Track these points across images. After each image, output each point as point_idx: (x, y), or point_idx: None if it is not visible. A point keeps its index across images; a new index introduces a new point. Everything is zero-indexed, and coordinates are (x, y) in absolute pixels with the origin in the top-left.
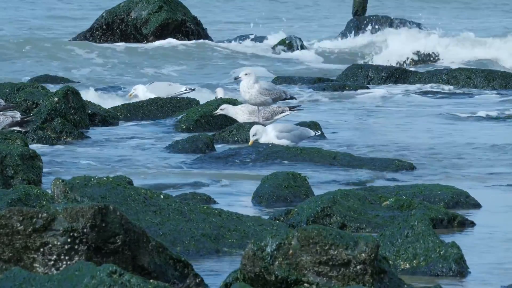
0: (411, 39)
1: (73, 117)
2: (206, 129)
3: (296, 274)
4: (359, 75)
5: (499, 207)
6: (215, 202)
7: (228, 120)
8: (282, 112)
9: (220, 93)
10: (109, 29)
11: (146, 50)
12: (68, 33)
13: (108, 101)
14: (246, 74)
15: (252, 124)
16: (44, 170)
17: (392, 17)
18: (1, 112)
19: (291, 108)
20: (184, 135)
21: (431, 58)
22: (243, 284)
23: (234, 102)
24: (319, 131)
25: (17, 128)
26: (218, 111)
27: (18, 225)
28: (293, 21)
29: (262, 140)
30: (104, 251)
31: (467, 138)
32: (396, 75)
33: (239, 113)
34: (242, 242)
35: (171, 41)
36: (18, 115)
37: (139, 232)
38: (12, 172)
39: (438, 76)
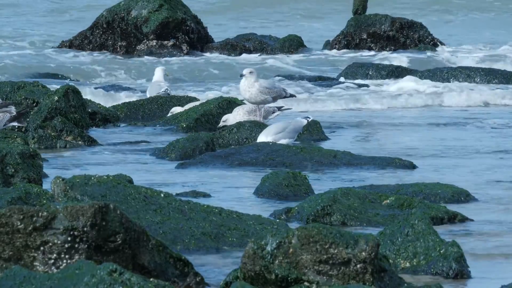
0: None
1: (73, 115)
2: (206, 128)
3: (296, 272)
4: (359, 73)
5: (499, 206)
6: (215, 201)
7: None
8: (274, 112)
9: (159, 73)
10: (109, 27)
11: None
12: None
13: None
14: (251, 72)
15: (252, 122)
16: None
17: (392, 16)
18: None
19: (280, 109)
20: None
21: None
22: (243, 283)
23: (234, 101)
24: (310, 117)
25: (15, 123)
26: (221, 124)
27: (19, 223)
28: (292, 20)
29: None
30: (104, 249)
31: (467, 138)
32: (396, 73)
33: (238, 118)
34: (243, 241)
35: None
36: (13, 109)
37: (139, 231)
38: (13, 170)
39: (438, 75)
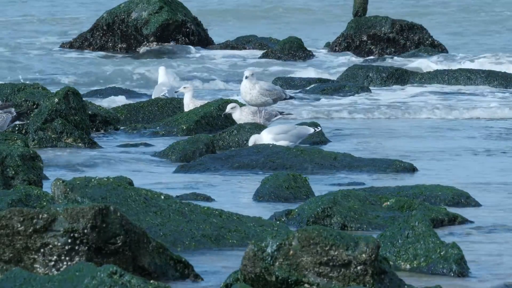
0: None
1: (73, 117)
2: (206, 130)
3: (297, 274)
4: (360, 75)
5: (499, 208)
6: (215, 203)
7: (229, 121)
8: (276, 116)
9: (162, 72)
10: (110, 29)
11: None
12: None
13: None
14: (252, 74)
15: (253, 125)
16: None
17: (393, 18)
18: (1, 111)
19: (282, 113)
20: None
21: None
22: (243, 284)
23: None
24: (319, 127)
25: (17, 122)
26: (228, 110)
27: (19, 225)
28: (293, 22)
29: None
30: (104, 251)
31: (466, 139)
32: (396, 75)
33: (243, 115)
34: (243, 243)
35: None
36: (13, 110)
37: (140, 233)
38: (13, 172)
39: (439, 77)
